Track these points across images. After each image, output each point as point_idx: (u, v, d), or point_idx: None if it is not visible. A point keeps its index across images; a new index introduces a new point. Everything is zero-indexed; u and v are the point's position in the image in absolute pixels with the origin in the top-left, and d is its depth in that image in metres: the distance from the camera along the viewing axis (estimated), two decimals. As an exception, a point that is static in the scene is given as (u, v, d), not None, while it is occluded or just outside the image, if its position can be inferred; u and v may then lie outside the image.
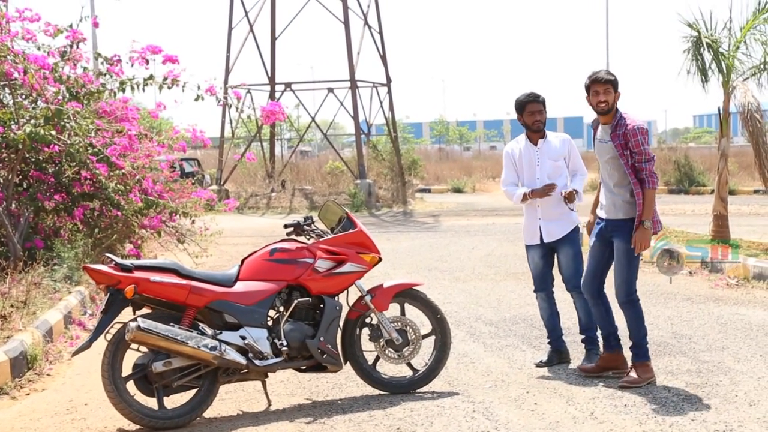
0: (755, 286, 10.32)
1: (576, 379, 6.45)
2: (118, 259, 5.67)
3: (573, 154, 7.00)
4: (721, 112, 13.44)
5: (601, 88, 6.23)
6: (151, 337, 5.44)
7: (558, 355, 6.95)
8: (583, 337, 6.90)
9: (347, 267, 6.11)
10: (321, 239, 6.20)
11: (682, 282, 10.87)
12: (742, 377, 6.36)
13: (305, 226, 6.29)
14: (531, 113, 6.87)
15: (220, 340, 5.65)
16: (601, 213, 6.45)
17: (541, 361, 6.92)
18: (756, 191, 28.83)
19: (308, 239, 6.28)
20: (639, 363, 6.27)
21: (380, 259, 6.34)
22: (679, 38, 13.36)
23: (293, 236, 6.31)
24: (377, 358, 6.33)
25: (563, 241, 6.89)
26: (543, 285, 7.06)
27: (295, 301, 5.95)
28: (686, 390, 6.08)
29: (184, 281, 5.67)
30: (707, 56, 13.21)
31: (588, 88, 6.29)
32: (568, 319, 7.62)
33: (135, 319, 5.49)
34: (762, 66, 13.08)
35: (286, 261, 5.98)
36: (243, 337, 5.74)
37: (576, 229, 6.88)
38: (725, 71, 13.15)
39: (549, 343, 7.04)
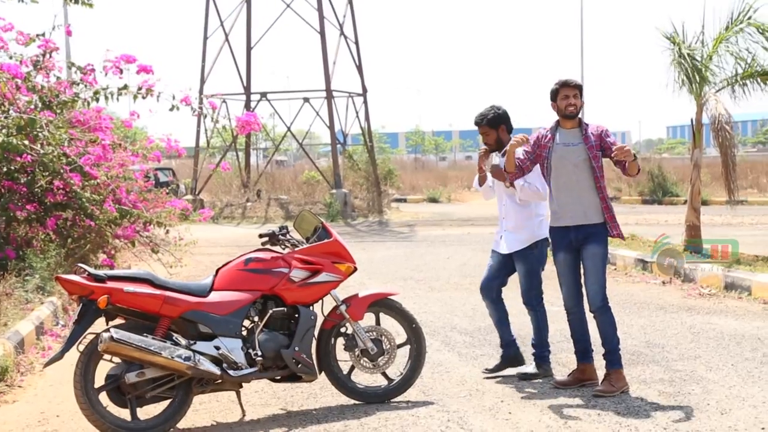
0: (727, 295, 10.41)
1: (550, 389, 6.48)
2: (91, 270, 5.63)
3: None
4: (694, 123, 13.57)
5: (571, 92, 6.35)
6: (124, 347, 5.41)
7: (507, 362, 6.97)
8: (534, 352, 6.92)
9: (322, 277, 6.10)
10: (296, 249, 6.19)
11: (655, 291, 10.95)
12: (714, 386, 6.41)
13: (280, 236, 6.28)
14: (485, 134, 6.97)
15: (194, 351, 5.62)
16: (564, 221, 6.41)
17: (486, 369, 6.93)
18: (728, 201, 29.04)
19: (283, 249, 6.27)
20: (614, 371, 6.30)
21: (355, 269, 6.34)
22: (661, 50, 13.48)
23: (268, 246, 6.30)
24: (352, 368, 6.32)
25: (517, 256, 6.90)
26: (486, 291, 7.10)
27: (270, 311, 5.94)
28: (659, 399, 6.12)
29: (157, 291, 5.64)
30: (682, 68, 13.35)
31: (556, 93, 6.40)
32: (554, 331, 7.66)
33: (108, 330, 5.45)
34: (734, 78, 13.23)
35: (261, 271, 5.96)
36: (217, 348, 5.72)
37: (534, 246, 6.84)
38: (698, 82, 13.28)
39: (501, 346, 7.06)
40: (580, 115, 6.48)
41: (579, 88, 6.41)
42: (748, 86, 13.24)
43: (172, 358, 5.50)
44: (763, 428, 5.42)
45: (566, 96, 6.36)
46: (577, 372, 6.55)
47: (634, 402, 6.06)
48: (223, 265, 6.06)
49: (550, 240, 6.66)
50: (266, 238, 6.32)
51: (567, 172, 6.36)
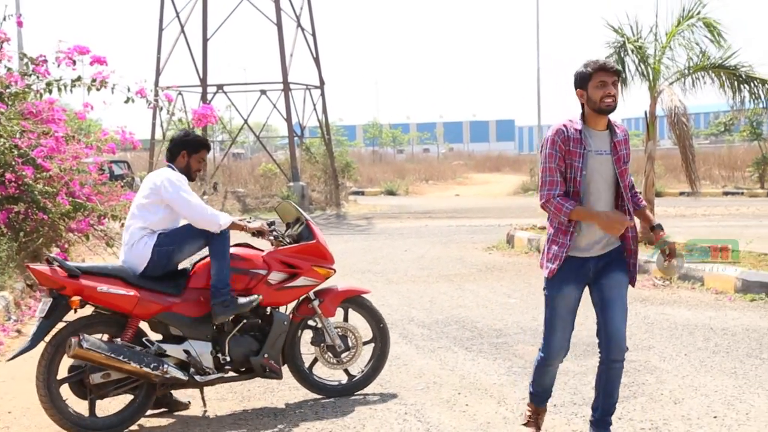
0: (680, 286, 10.55)
1: (507, 380, 6.51)
2: (66, 263, 5.49)
3: None
4: (648, 115, 13.73)
5: (609, 78, 4.68)
6: (93, 354, 5.28)
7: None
8: None
9: (300, 281, 5.99)
10: (279, 248, 6.04)
11: (611, 283, 11.05)
12: (668, 376, 6.50)
13: (274, 230, 6.10)
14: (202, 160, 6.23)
15: (163, 354, 5.54)
16: (583, 251, 4.80)
17: None
18: (682, 193, 29.52)
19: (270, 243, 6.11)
20: None
21: (335, 272, 6.24)
22: (604, 44, 13.66)
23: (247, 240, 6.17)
24: (314, 361, 6.28)
25: None
26: None
27: (243, 321, 5.83)
28: (614, 389, 6.18)
29: (131, 292, 5.51)
30: (632, 59, 13.53)
31: (587, 79, 4.70)
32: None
33: (77, 334, 5.32)
34: (686, 71, 13.42)
35: (239, 270, 5.81)
36: (187, 352, 5.62)
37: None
38: (651, 76, 13.45)
39: None
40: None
41: (618, 74, 4.77)
42: (700, 79, 13.46)
43: (141, 366, 5.40)
44: (715, 417, 5.50)
45: (603, 83, 4.66)
46: (538, 417, 5.29)
47: (589, 393, 6.10)
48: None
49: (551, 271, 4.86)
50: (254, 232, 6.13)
51: (597, 190, 4.75)
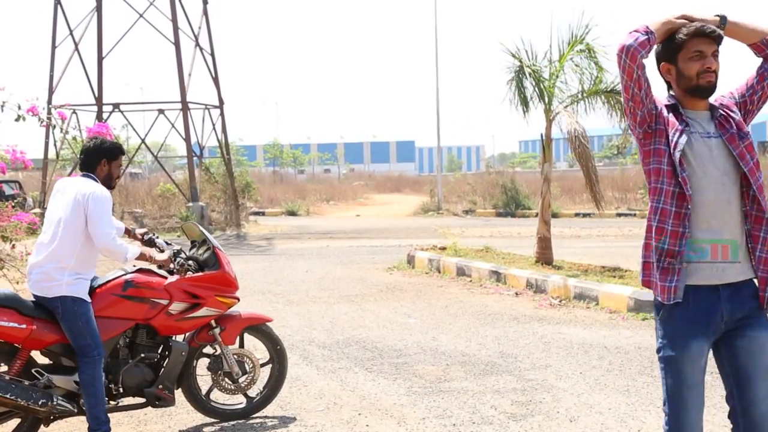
0: (576, 305, 10.79)
1: (407, 400, 6.53)
2: None
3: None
4: (544, 138, 14.05)
5: (709, 48, 3.53)
6: None
7: None
8: None
9: (202, 311, 5.81)
10: (184, 276, 5.83)
11: (509, 302, 11.24)
12: (564, 394, 6.62)
13: (180, 260, 5.84)
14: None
15: (52, 386, 5.33)
16: (706, 276, 3.46)
17: None
18: (577, 214, 30.29)
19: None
20: None
21: (238, 300, 6.10)
22: (503, 68, 13.96)
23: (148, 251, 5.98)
24: (212, 387, 6.16)
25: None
26: None
27: (140, 349, 5.66)
28: (512, 408, 6.27)
29: (23, 324, 5.24)
30: (529, 85, 13.85)
31: (677, 48, 3.55)
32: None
33: None
34: (580, 95, 13.81)
35: (140, 299, 5.60)
36: (77, 382, 5.40)
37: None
38: (547, 99, 13.78)
39: None
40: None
41: (719, 42, 3.55)
42: (592, 103, 13.85)
43: (29, 404, 5.19)
44: (609, 433, 5.63)
45: (700, 54, 3.51)
46: None
47: (488, 412, 6.18)
48: (99, 285, 5.62)
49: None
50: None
51: (712, 185, 3.48)
